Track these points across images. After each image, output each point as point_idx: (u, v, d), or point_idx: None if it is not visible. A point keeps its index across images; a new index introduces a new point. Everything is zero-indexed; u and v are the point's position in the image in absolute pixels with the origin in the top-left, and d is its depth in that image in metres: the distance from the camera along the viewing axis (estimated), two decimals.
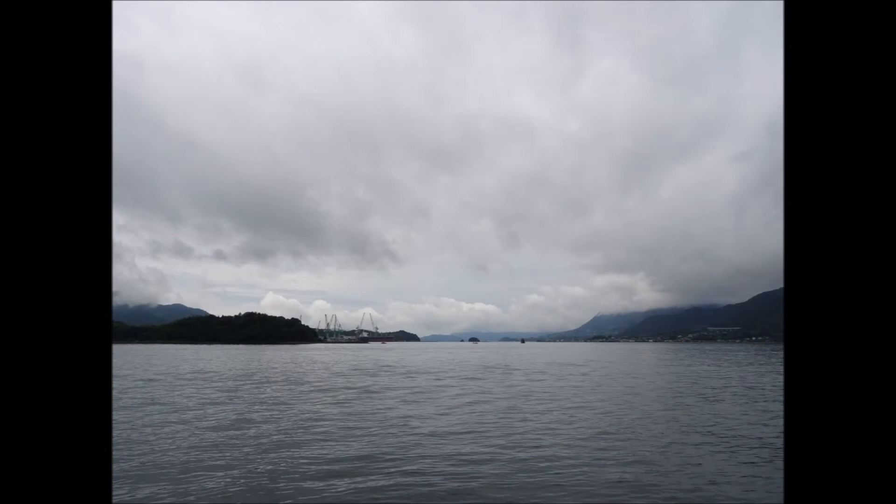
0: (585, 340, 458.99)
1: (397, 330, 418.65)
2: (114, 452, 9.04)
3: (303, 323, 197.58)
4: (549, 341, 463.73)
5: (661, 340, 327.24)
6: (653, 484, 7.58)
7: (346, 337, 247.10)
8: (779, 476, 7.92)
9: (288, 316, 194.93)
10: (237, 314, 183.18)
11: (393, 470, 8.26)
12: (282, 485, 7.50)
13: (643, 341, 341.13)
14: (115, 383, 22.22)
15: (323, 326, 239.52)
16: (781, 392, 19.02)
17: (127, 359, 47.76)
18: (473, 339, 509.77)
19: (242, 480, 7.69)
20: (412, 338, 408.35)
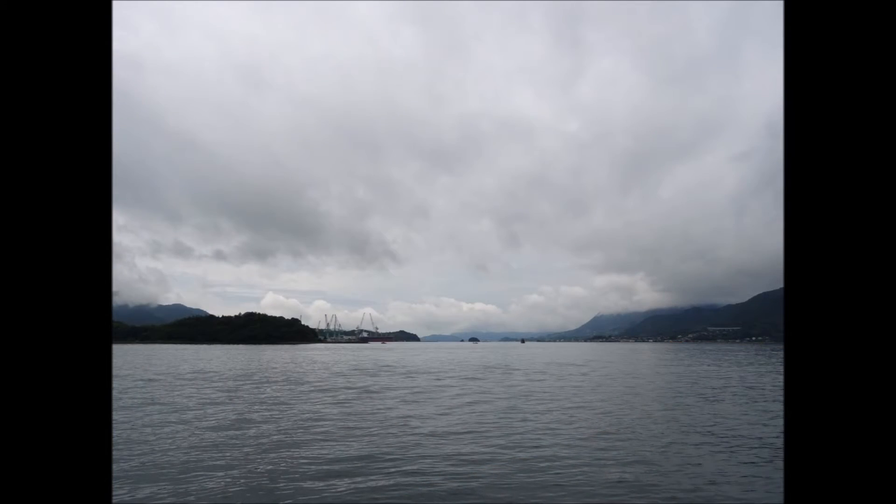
0: (585, 340, 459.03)
1: (397, 330, 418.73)
2: (114, 452, 9.04)
3: (303, 323, 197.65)
4: (549, 341, 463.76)
5: (661, 340, 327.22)
6: (653, 484, 7.58)
7: (346, 337, 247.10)
8: (779, 476, 7.92)
9: (288, 316, 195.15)
10: (237, 314, 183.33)
11: (393, 470, 8.26)
12: (282, 485, 7.50)
13: (643, 341, 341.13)
14: (115, 383, 22.22)
15: (323, 326, 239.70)
16: (781, 392, 19.02)
17: (127, 359, 47.76)
18: (473, 339, 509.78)
19: (242, 480, 7.69)
20: (412, 338, 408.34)
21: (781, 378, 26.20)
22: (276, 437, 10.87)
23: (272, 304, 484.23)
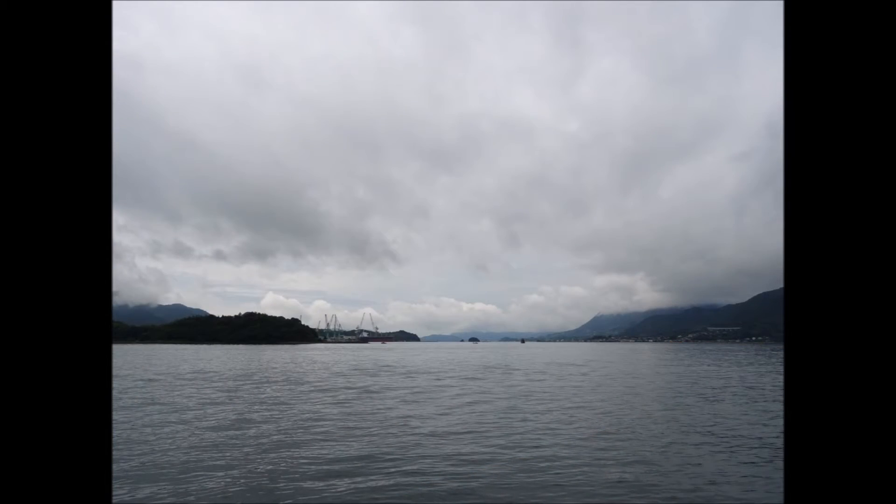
0: (585, 340, 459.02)
1: (397, 330, 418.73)
2: (114, 452, 9.04)
3: (303, 323, 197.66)
4: (549, 341, 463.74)
5: (661, 340, 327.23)
6: (653, 484, 7.58)
7: (346, 337, 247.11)
8: (779, 476, 7.92)
9: (288, 316, 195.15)
10: (237, 314, 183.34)
11: (393, 470, 8.26)
12: (282, 485, 7.50)
13: (643, 341, 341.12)
14: (115, 383, 22.22)
15: (323, 326, 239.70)
16: (781, 392, 19.02)
17: (127, 359, 47.76)
18: (473, 339, 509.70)
19: (242, 480, 7.69)
20: (412, 338, 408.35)
21: (781, 378, 26.20)
22: (276, 437, 10.87)
23: (272, 304, 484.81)
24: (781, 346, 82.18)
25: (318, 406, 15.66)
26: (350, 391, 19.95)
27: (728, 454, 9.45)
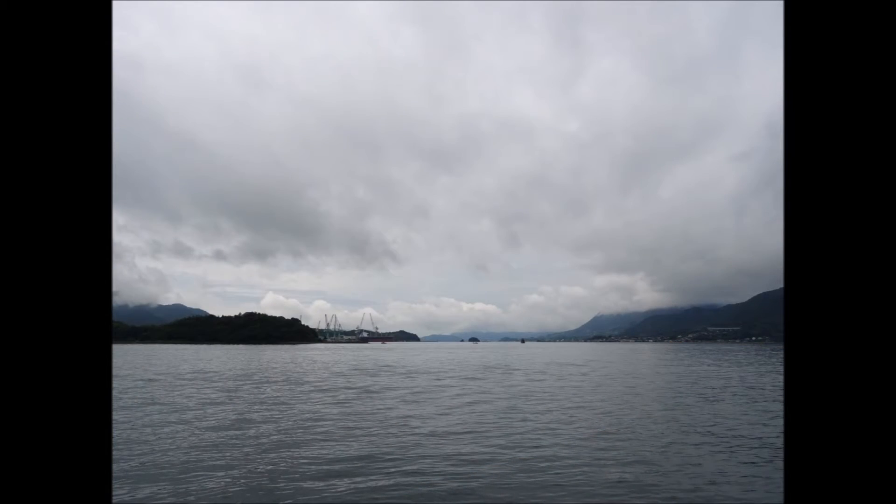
0: (585, 340, 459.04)
1: (397, 330, 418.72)
2: (114, 452, 9.04)
3: (303, 323, 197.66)
4: (549, 341, 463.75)
5: (661, 340, 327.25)
6: (653, 484, 7.58)
7: (346, 337, 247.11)
8: (779, 476, 7.92)
9: (288, 316, 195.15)
10: (237, 314, 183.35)
11: (393, 470, 8.26)
12: (282, 485, 7.50)
13: (643, 341, 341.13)
14: (115, 383, 22.22)
15: (323, 326, 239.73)
16: (781, 392, 19.02)
17: (127, 359, 47.76)
18: (473, 339, 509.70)
19: (242, 480, 7.69)
20: (412, 338, 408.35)
21: (781, 378, 26.20)
22: (276, 437, 10.87)
23: (272, 304, 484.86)
24: (781, 346, 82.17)
25: (318, 406, 15.66)
26: (350, 391, 19.95)
27: (728, 454, 9.45)
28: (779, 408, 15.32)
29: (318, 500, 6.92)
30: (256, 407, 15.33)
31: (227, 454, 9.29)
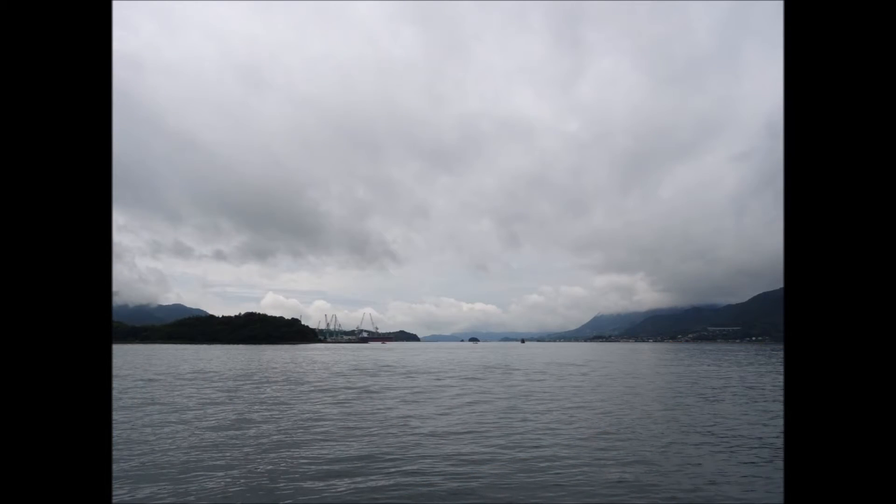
0: (585, 340, 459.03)
1: (397, 330, 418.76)
2: (114, 452, 9.04)
3: (303, 323, 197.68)
4: (549, 341, 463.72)
5: (661, 340, 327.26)
6: (653, 484, 7.58)
7: (346, 337, 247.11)
8: (779, 476, 7.92)
9: (288, 316, 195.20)
10: (237, 314, 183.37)
11: (393, 470, 8.26)
12: (282, 485, 7.50)
13: (643, 341, 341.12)
14: (115, 383, 22.22)
15: (323, 326, 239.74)
16: (781, 392, 19.02)
17: (127, 359, 47.76)
18: (473, 339, 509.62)
19: (242, 480, 7.69)
20: (412, 338, 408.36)
21: (781, 378, 26.20)
22: (276, 437, 10.87)
23: (272, 304, 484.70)
24: (781, 346, 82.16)
25: (318, 406, 15.66)
26: (350, 391, 19.95)
27: (728, 454, 9.45)
28: (779, 408, 15.32)
29: (318, 500, 6.92)
30: (256, 407, 15.33)
31: (227, 454, 9.29)
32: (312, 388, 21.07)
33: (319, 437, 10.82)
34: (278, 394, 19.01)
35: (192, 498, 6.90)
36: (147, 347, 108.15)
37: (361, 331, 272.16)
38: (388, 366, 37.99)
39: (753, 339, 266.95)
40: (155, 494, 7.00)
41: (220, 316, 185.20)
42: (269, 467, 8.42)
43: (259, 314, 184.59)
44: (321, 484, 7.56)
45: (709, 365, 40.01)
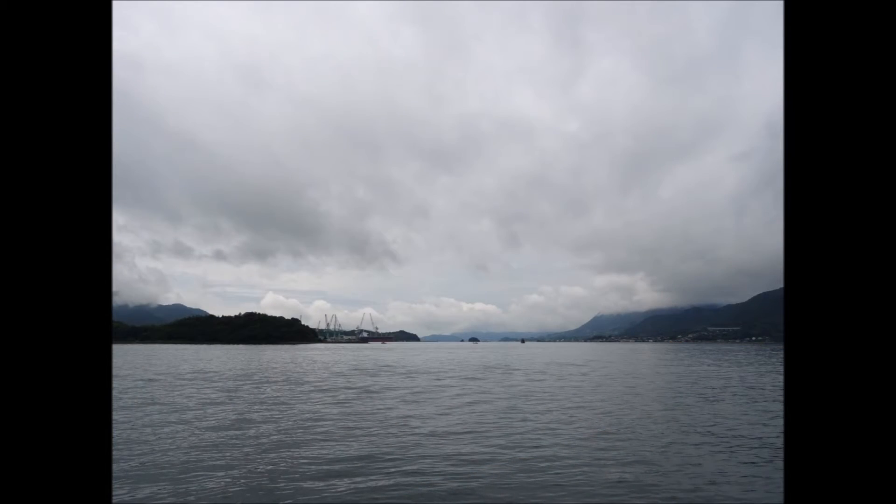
0: (585, 340, 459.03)
1: (397, 330, 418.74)
2: (114, 452, 9.04)
3: (303, 323, 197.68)
4: (549, 341, 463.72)
5: (661, 340, 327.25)
6: (653, 484, 7.58)
7: (346, 337, 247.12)
8: (779, 476, 7.92)
9: (288, 316, 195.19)
10: (237, 314, 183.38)
11: (393, 470, 8.26)
12: (282, 485, 7.50)
13: (643, 341, 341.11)
14: (115, 383, 22.22)
15: (323, 326, 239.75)
16: (781, 392, 19.02)
17: (127, 359, 47.76)
18: (473, 339, 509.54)
19: (242, 480, 7.69)
20: (412, 338, 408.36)
21: (781, 378, 26.20)
22: (276, 437, 10.87)
23: (272, 304, 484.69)
24: (781, 346, 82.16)
25: (318, 406, 15.66)
26: (350, 391, 19.95)
27: (728, 454, 9.45)
28: (779, 408, 15.31)
29: (318, 500, 6.92)
30: (256, 407, 15.33)
31: (227, 454, 9.29)
32: (312, 388, 21.07)
33: (319, 437, 10.82)
34: (278, 394, 19.01)
35: (192, 498, 6.90)
36: (147, 347, 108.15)
37: (361, 331, 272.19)
38: (388, 366, 37.99)
39: (753, 339, 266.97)
40: (155, 494, 7.00)
41: (220, 316, 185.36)
42: (269, 467, 8.42)
43: (259, 314, 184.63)
44: (321, 484, 7.56)
45: (709, 365, 40.01)
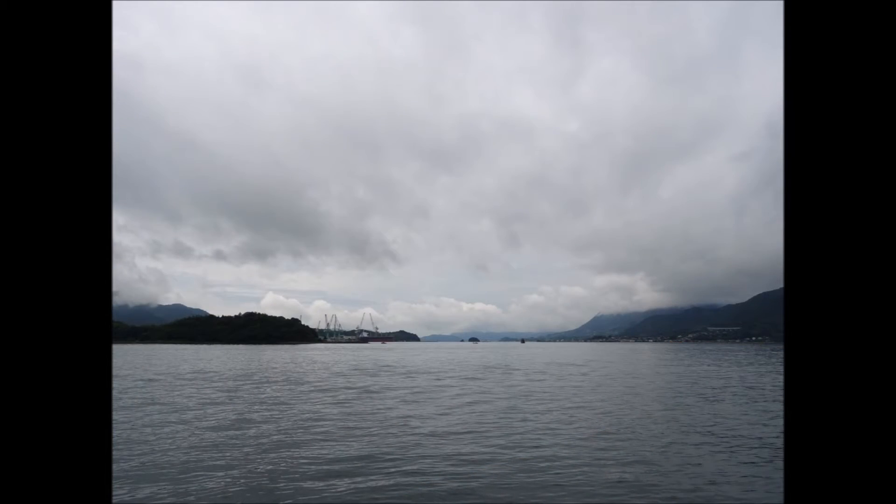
0: (585, 340, 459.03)
1: (397, 330, 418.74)
2: (114, 452, 9.04)
3: (303, 323, 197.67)
4: (549, 341, 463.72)
5: (661, 340, 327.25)
6: (653, 484, 7.58)
7: (346, 337, 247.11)
8: (779, 476, 7.92)
9: (288, 316, 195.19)
10: (237, 314, 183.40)
11: (393, 470, 8.26)
12: (282, 485, 7.50)
13: (643, 341, 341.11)
14: (115, 383, 22.22)
15: (323, 326, 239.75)
16: (781, 392, 19.01)
17: (127, 359, 47.75)
18: (473, 340, 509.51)
19: (242, 480, 7.69)
20: (412, 338, 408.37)
21: (781, 378, 26.20)
22: (276, 437, 10.87)
23: (272, 304, 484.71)
24: (781, 346, 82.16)
25: (318, 406, 15.66)
26: (350, 391, 19.95)
27: (728, 454, 9.45)
28: (779, 408, 15.31)
29: (318, 500, 6.92)
30: (256, 407, 15.33)
31: (227, 454, 9.29)
32: (312, 388, 21.07)
33: (319, 437, 10.82)
34: (278, 394, 19.01)
35: (192, 498, 6.90)
36: (147, 347, 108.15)
37: (361, 331, 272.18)
38: (388, 366, 37.99)
39: (753, 339, 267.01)
40: (155, 494, 7.00)
41: (220, 316, 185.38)
42: (269, 467, 8.42)
43: (259, 314, 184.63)
44: (321, 484, 7.56)
45: (709, 365, 40.01)
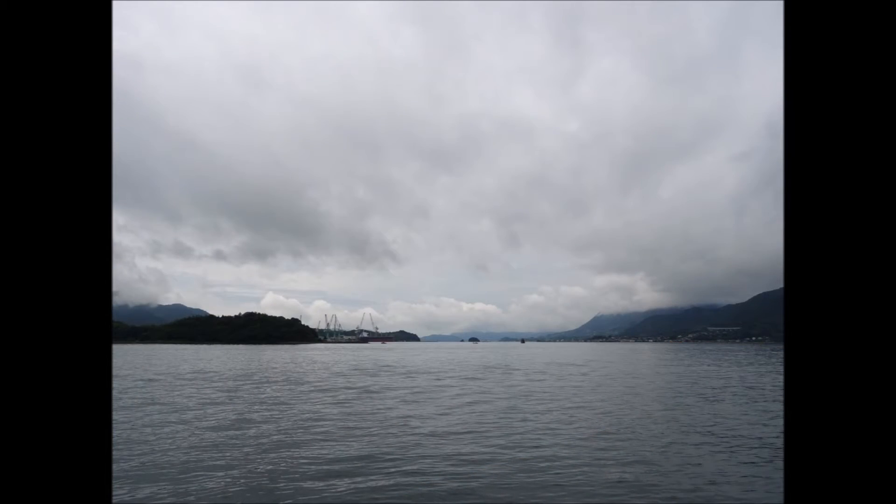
0: (585, 340, 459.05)
1: (397, 330, 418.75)
2: (114, 452, 9.04)
3: (303, 323, 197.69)
4: (549, 341, 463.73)
5: (661, 340, 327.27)
6: (653, 484, 7.58)
7: (346, 337, 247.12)
8: (779, 476, 7.92)
9: (288, 316, 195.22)
10: (237, 314, 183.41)
11: (393, 470, 8.26)
12: (282, 485, 7.50)
13: (643, 341, 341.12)
14: (115, 383, 22.22)
15: (323, 326, 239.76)
16: (781, 392, 19.02)
17: (127, 359, 47.75)
18: (473, 340, 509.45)
19: (242, 480, 7.69)
20: (412, 338, 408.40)
21: (781, 378, 26.20)
22: (276, 437, 10.87)
23: (272, 304, 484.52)
24: (781, 346, 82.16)
25: (318, 406, 15.66)
26: (350, 391, 19.95)
27: (728, 454, 9.45)
28: (779, 408, 15.31)
29: (318, 500, 6.92)
30: (256, 407, 15.33)
31: (227, 454, 9.29)
32: (312, 388, 21.07)
33: (319, 437, 10.82)
34: (278, 394, 19.01)
35: (192, 498, 6.90)
36: (147, 347, 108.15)
37: (361, 331, 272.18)
38: (388, 366, 37.99)
39: (753, 339, 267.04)
40: (155, 494, 7.00)
41: (220, 316, 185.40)
42: (269, 467, 8.42)
43: (259, 314, 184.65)
44: (321, 484, 7.56)
45: (709, 365, 40.01)
